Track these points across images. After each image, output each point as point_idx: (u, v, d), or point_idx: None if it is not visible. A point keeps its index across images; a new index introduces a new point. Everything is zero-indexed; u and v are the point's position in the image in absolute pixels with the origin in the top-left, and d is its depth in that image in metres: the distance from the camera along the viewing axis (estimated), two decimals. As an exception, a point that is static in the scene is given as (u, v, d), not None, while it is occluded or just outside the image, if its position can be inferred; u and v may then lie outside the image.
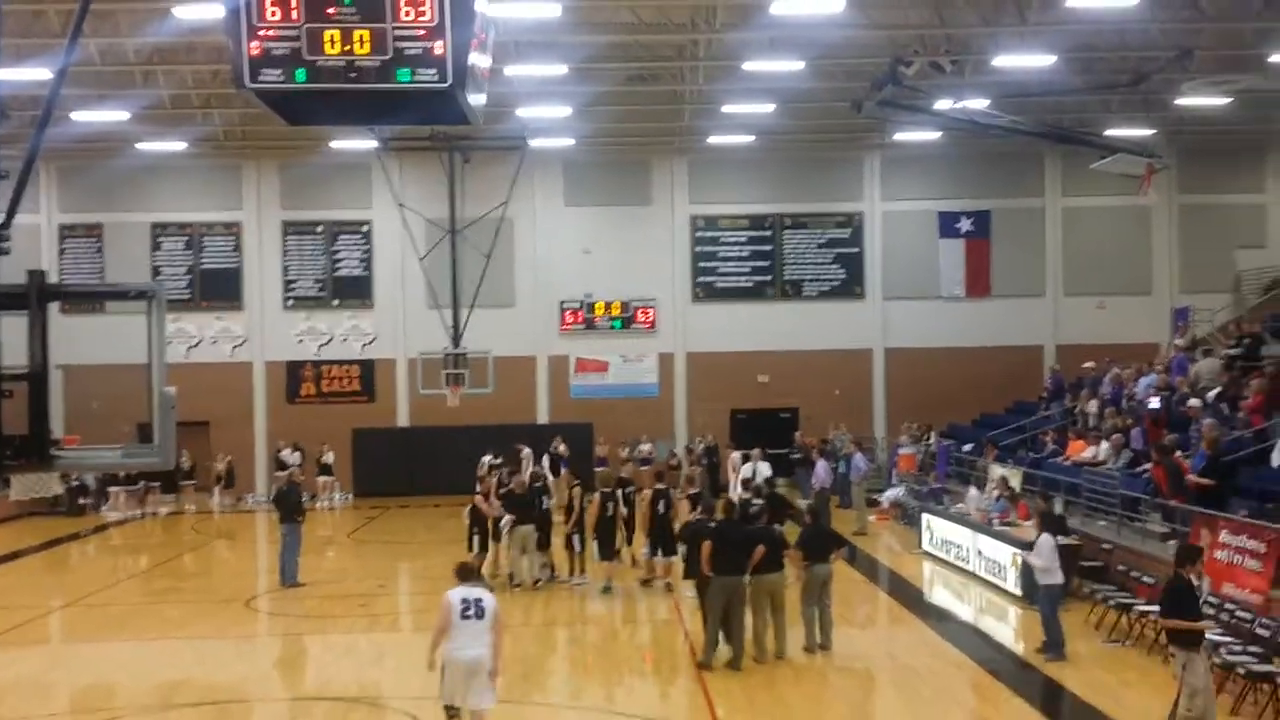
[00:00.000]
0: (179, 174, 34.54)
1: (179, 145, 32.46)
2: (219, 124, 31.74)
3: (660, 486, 18.91)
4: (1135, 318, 34.29)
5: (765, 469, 25.11)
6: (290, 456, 31.46)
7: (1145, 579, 16.54)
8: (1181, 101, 28.76)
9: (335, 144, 32.36)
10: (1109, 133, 29.28)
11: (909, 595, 19.65)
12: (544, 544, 19.58)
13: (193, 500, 32.42)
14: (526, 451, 29.17)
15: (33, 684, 14.64)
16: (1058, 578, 15.07)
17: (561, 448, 31.51)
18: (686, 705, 12.98)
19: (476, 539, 19.52)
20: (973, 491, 24.56)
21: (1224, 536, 15.58)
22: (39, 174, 33.31)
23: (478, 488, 20.29)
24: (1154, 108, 29.97)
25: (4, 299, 6.73)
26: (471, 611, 10.55)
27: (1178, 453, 18.22)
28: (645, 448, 32.05)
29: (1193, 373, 22.79)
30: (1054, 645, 14.65)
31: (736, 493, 21.03)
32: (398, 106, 7.42)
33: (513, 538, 19.06)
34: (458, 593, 10.69)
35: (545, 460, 29.82)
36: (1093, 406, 25.14)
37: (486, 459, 27.38)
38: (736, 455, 27.75)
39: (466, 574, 11.04)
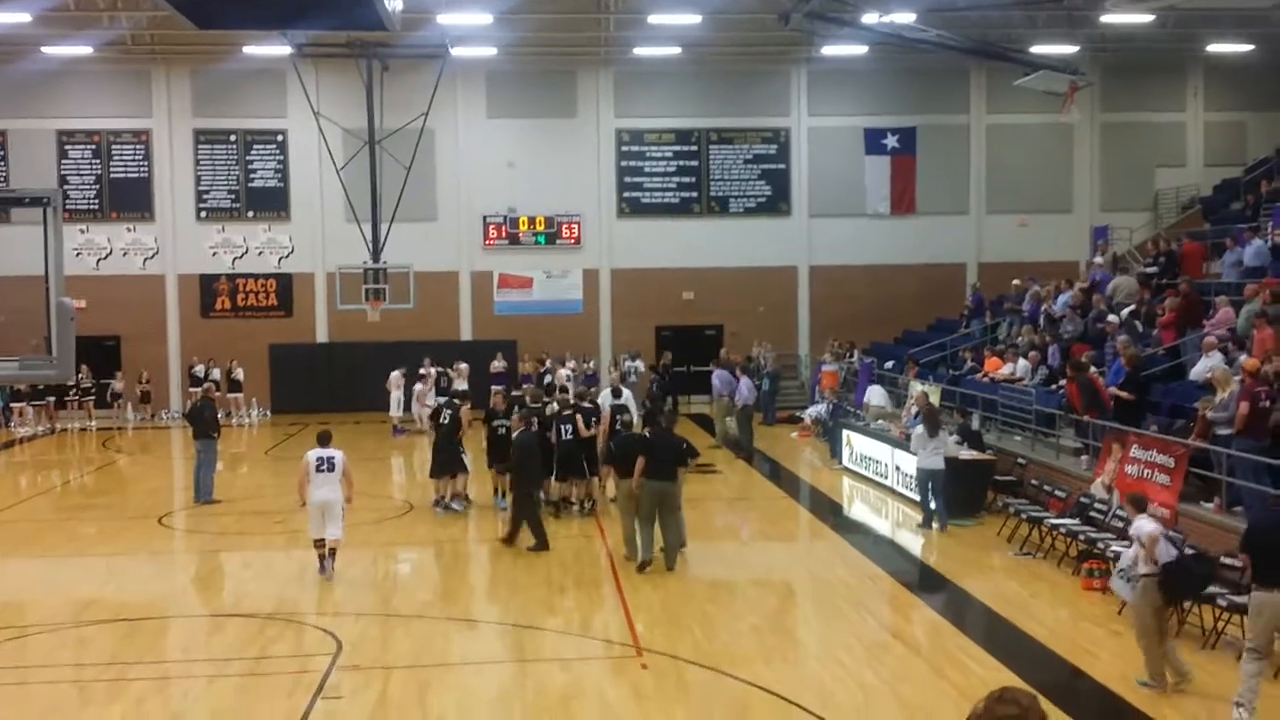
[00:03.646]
0: (86, 79, 33.33)
1: (85, 49, 31.32)
2: (127, 27, 30.61)
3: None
4: (1056, 236, 34.73)
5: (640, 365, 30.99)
6: (205, 372, 30.93)
7: (1057, 493, 16.87)
8: (1106, 19, 28.89)
9: (249, 49, 31.35)
10: (1034, 49, 29.39)
11: (827, 510, 19.87)
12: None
13: (94, 417, 31.85)
14: (463, 366, 29.02)
15: (-63, 603, 14.31)
16: (934, 463, 17.40)
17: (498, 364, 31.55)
18: (606, 619, 13.01)
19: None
20: (875, 389, 25.05)
21: (1134, 451, 15.88)
22: (-64, 77, 32.04)
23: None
24: (1078, 24, 30.07)
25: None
26: (325, 467, 14.60)
27: (1092, 369, 18.49)
28: (570, 365, 31.90)
29: (1110, 289, 23.10)
30: (929, 519, 17.50)
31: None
32: (311, 10, 7.11)
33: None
34: (314, 453, 14.73)
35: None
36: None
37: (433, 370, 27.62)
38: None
39: (323, 440, 14.89)
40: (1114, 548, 13.68)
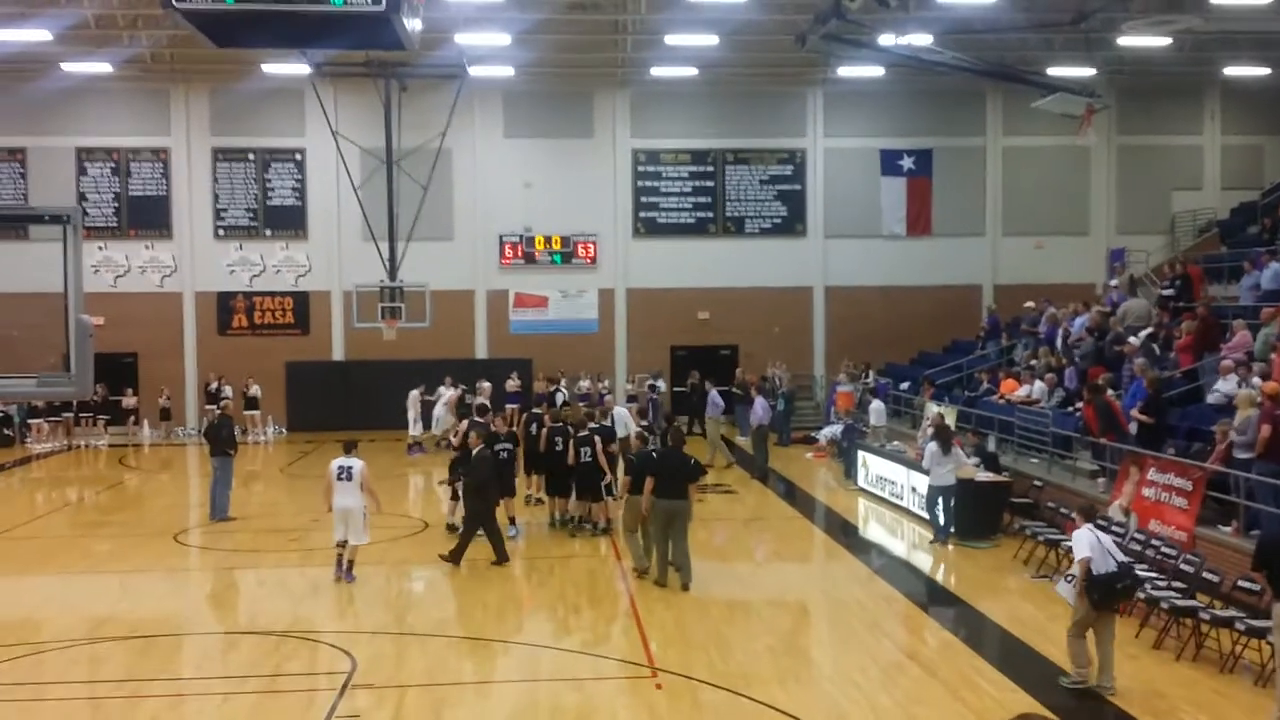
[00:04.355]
0: (105, 97, 33.55)
1: (105, 67, 31.55)
2: (146, 45, 30.83)
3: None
4: (1072, 258, 34.67)
5: (662, 385, 31.61)
6: (225, 390, 31.05)
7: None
8: (1123, 41, 28.88)
9: (267, 68, 31.54)
10: (1050, 72, 29.39)
11: (842, 531, 19.80)
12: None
13: (107, 434, 31.98)
14: (485, 385, 29.05)
15: (-47, 618, 14.35)
16: (945, 480, 17.79)
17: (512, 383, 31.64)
18: (621, 639, 12.98)
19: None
20: (875, 404, 25.09)
21: (1152, 474, 15.81)
22: (-43, 95, 32.31)
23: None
24: (1095, 47, 30.03)
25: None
26: (344, 475, 15.33)
27: (1109, 392, 18.42)
28: (584, 384, 31.97)
29: (1121, 311, 23.02)
30: (941, 533, 17.88)
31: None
32: (331, 29, 7.14)
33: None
34: (336, 461, 15.52)
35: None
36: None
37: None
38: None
39: (347, 449, 15.69)
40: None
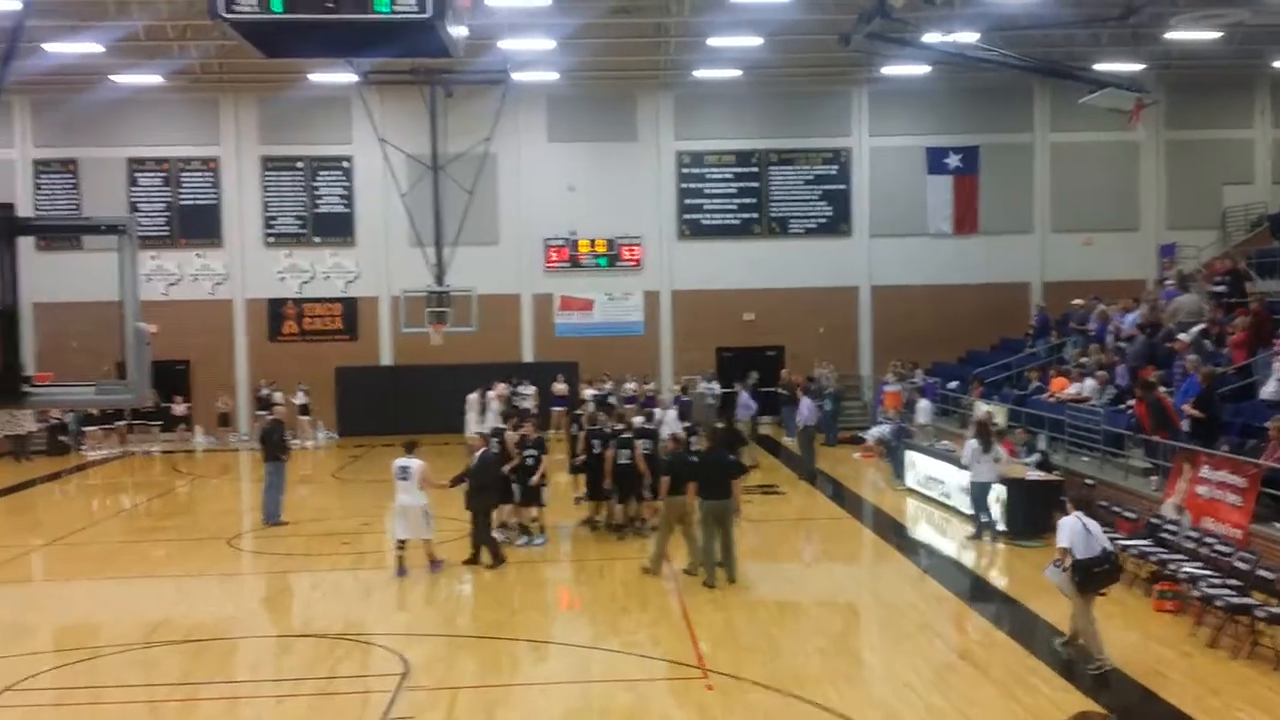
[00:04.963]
0: (155, 108, 34.00)
1: (155, 78, 31.99)
2: (195, 56, 31.24)
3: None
4: (1122, 254, 34.29)
5: (716, 387, 31.72)
6: (275, 395, 31.41)
7: (1127, 514, 16.63)
8: (1171, 35, 28.54)
9: (314, 77, 31.88)
10: (1098, 67, 29.09)
11: (891, 531, 19.70)
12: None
13: (159, 440, 32.39)
14: (529, 390, 29.12)
15: (12, 623, 14.61)
16: (986, 476, 18.00)
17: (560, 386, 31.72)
18: (671, 640, 12.99)
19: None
20: (923, 403, 24.95)
21: (1205, 471, 15.61)
22: (12, 108, 32.90)
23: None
24: (1143, 42, 29.74)
25: (-28, 233, 6.57)
26: (403, 475, 15.96)
27: (1161, 389, 18.22)
28: (630, 386, 32.00)
29: (1171, 308, 22.74)
30: (982, 530, 18.08)
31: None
32: (377, 38, 7.21)
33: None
34: (397, 461, 16.16)
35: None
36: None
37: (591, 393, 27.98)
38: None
39: (408, 448, 16.27)
40: (1186, 569, 13.46)
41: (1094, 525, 11.85)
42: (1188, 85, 34.03)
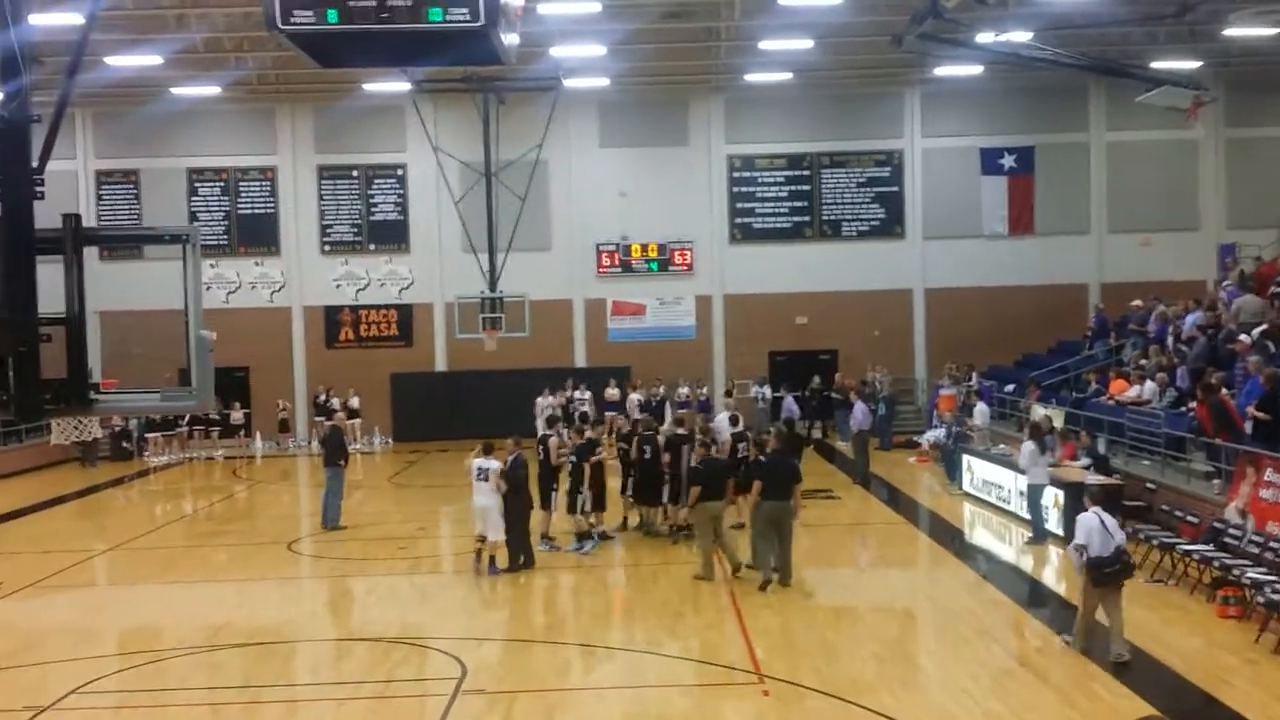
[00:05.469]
0: (214, 118, 34.50)
1: (213, 89, 32.48)
2: (252, 67, 31.72)
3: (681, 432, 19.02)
4: (1181, 254, 33.78)
5: (767, 391, 31.66)
6: (334, 401, 31.75)
7: (1189, 518, 16.40)
8: (1229, 32, 28.13)
9: (368, 87, 32.21)
10: (1155, 65, 28.73)
11: (947, 536, 19.56)
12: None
13: (219, 446, 32.82)
14: (585, 395, 29.19)
15: (78, 627, 14.88)
16: (1041, 478, 17.86)
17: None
18: (726, 645, 12.98)
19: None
20: (980, 406, 24.73)
21: (1270, 475, 15.36)
22: (75, 120, 33.48)
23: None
24: (1200, 39, 29.32)
25: (41, 244, 6.72)
26: (481, 476, 16.33)
27: (1223, 391, 17.95)
28: (683, 391, 31.99)
29: (1235, 308, 22.39)
30: (1038, 535, 17.95)
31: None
32: (431, 47, 7.30)
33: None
34: (476, 462, 16.49)
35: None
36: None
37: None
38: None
39: (486, 450, 16.62)
40: (1250, 574, 13.26)
41: (1112, 522, 12.13)
42: (1247, 82, 33.47)
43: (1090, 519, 12.05)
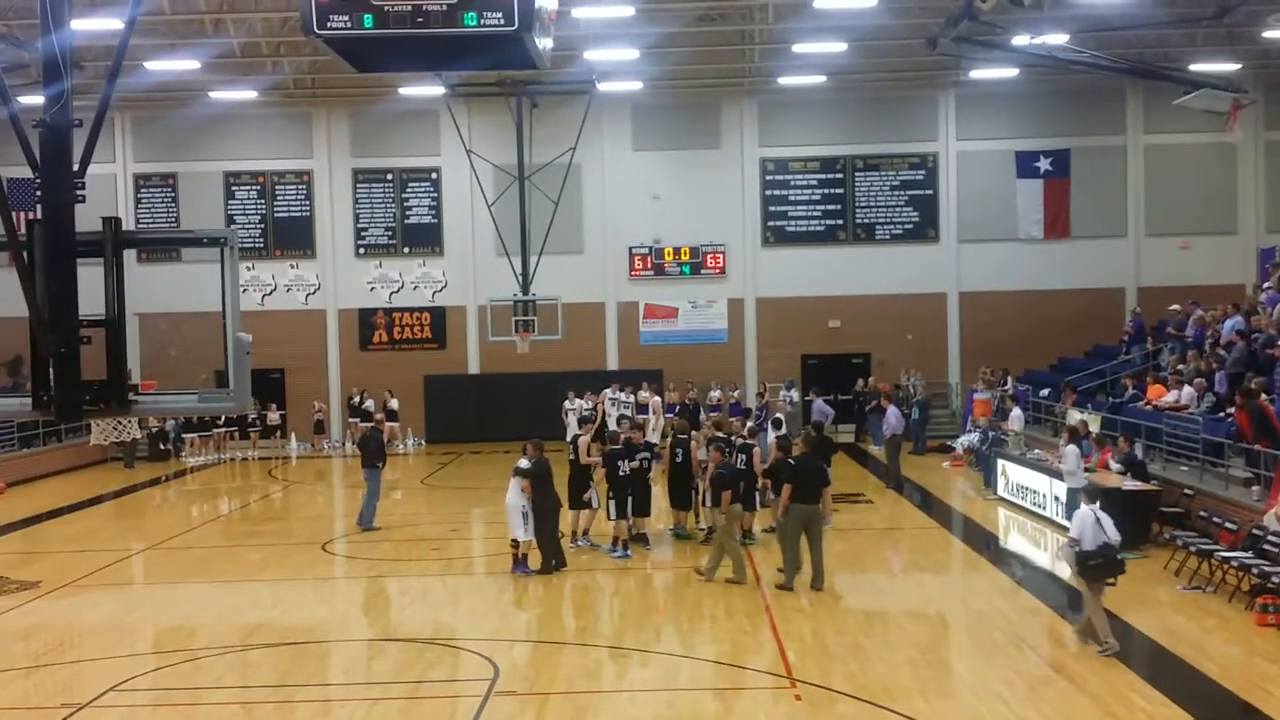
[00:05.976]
0: (250, 122, 34.79)
1: (250, 94, 32.74)
2: (289, 72, 31.99)
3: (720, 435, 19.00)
4: (1220, 258, 33.46)
5: (795, 395, 30.96)
6: (365, 403, 31.93)
7: (1228, 525, 16.24)
8: (1268, 34, 27.83)
9: (404, 91, 32.40)
10: (1193, 68, 28.46)
11: (982, 541, 19.44)
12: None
13: (255, 447, 33.07)
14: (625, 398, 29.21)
15: (115, 625, 15.01)
16: (1080, 481, 17.53)
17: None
18: (758, 649, 12.96)
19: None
20: (1015, 411, 24.59)
21: (1311, 482, 15.18)
22: (114, 124, 33.84)
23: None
24: (1239, 41, 29.06)
25: (81, 247, 6.80)
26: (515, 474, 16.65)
27: (1263, 396, 17.77)
28: (715, 394, 31.95)
29: (1274, 313, 22.15)
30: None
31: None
32: (465, 51, 7.36)
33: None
34: (519, 462, 16.72)
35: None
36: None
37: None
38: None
39: (526, 450, 16.83)
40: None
41: (1106, 520, 12.38)
42: (1287, 85, 33.16)
43: (1085, 514, 12.40)
